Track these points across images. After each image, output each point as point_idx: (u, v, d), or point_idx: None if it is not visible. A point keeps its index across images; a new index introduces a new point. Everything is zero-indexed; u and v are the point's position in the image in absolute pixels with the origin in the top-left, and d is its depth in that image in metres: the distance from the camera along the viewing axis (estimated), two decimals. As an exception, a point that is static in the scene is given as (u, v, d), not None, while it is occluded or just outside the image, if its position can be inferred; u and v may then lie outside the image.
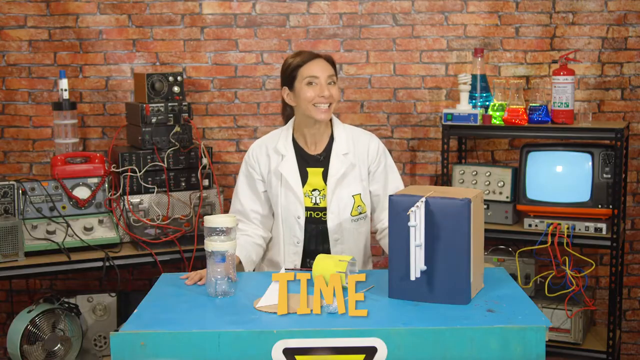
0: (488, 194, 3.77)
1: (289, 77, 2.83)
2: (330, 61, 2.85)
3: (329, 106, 2.78)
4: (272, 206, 2.89)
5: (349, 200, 2.83)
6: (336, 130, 2.89)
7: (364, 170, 2.87)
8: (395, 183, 2.90)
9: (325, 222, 2.84)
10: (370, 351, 2.04)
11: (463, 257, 2.23)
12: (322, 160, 2.86)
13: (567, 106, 3.64)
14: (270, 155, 2.88)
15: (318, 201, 2.84)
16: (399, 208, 2.26)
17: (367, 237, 2.94)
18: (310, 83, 2.78)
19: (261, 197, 2.90)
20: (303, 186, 2.84)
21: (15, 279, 3.60)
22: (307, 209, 2.84)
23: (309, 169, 2.86)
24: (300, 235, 2.84)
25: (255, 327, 2.09)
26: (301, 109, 2.82)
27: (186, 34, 4.02)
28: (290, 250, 2.86)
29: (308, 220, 2.84)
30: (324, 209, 2.83)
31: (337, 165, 2.83)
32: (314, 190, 2.84)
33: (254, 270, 2.87)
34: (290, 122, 2.93)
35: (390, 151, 3.00)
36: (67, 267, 3.35)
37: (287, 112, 2.95)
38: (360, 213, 2.86)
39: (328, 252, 2.84)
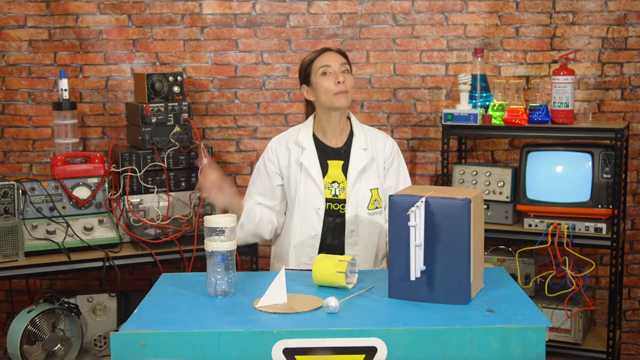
0: (488, 194, 3.77)
1: (304, 74, 2.92)
2: (342, 53, 2.92)
3: (345, 93, 2.84)
4: (290, 198, 2.90)
5: (367, 193, 2.87)
6: (355, 127, 2.95)
7: (380, 167, 2.92)
8: (405, 183, 2.96)
9: (343, 214, 2.86)
10: (370, 351, 2.04)
11: (463, 257, 2.23)
12: (343, 154, 2.90)
13: (567, 106, 3.64)
14: (290, 148, 2.91)
15: (337, 193, 2.87)
16: (399, 208, 2.26)
17: (382, 233, 2.94)
18: (324, 73, 2.85)
19: (276, 192, 2.92)
20: (323, 178, 2.87)
21: (15, 279, 3.61)
22: (327, 200, 2.86)
23: (329, 162, 2.90)
24: (318, 227, 2.86)
25: (255, 327, 2.09)
26: (321, 101, 2.87)
27: (186, 34, 4.02)
28: (307, 243, 2.87)
29: (326, 212, 2.86)
30: (343, 201, 2.86)
31: (359, 158, 2.88)
32: (333, 182, 2.88)
33: (256, 269, 2.87)
34: (310, 118, 2.97)
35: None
36: (67, 267, 3.35)
37: (309, 111, 3.01)
38: (376, 207, 2.89)
39: (344, 245, 2.86)
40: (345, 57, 2.91)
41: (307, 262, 2.85)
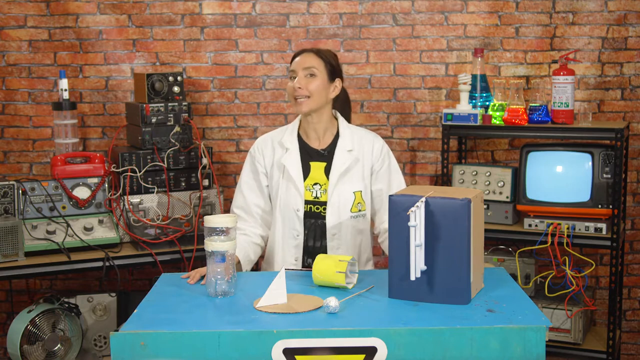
0: (488, 194, 3.77)
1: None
2: (320, 54, 2.86)
3: (306, 98, 2.81)
4: (272, 199, 2.90)
5: (349, 196, 2.85)
6: (341, 128, 2.92)
7: (367, 169, 2.89)
8: (398, 184, 2.92)
9: (324, 217, 2.84)
10: (370, 351, 2.04)
11: (463, 257, 2.23)
12: (326, 155, 2.89)
13: (567, 106, 3.64)
14: (275, 148, 2.92)
15: (319, 195, 2.85)
16: (399, 208, 2.26)
17: (367, 237, 2.94)
18: (291, 77, 2.85)
19: (264, 192, 2.92)
20: (305, 179, 2.86)
21: (15, 279, 3.60)
22: (307, 202, 2.85)
23: (311, 163, 2.88)
24: (299, 228, 2.85)
25: (255, 327, 2.09)
26: None
27: (186, 34, 4.02)
28: (290, 244, 2.87)
29: (307, 214, 2.85)
30: (324, 203, 2.85)
31: (342, 160, 2.86)
32: (315, 184, 2.86)
33: (253, 269, 2.88)
34: (297, 119, 2.97)
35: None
36: (67, 267, 3.35)
37: None
38: (359, 210, 2.87)
39: (326, 248, 2.85)
40: (322, 58, 2.85)
41: (293, 263, 2.85)
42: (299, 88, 2.80)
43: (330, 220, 2.84)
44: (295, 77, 2.82)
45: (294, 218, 2.85)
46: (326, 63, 2.86)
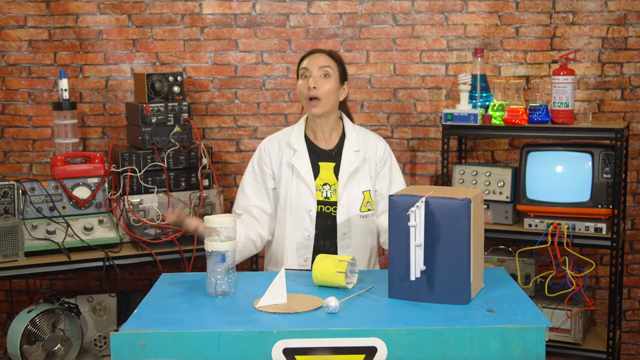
0: (488, 194, 3.77)
1: (297, 73, 2.91)
2: (332, 55, 2.87)
3: (318, 100, 2.80)
4: (282, 200, 2.89)
5: (359, 195, 2.86)
6: (347, 128, 2.93)
7: (372, 169, 2.91)
8: (398, 185, 2.92)
9: (335, 217, 2.85)
10: (370, 351, 2.04)
11: (463, 257, 2.23)
12: (334, 156, 2.89)
13: (567, 106, 3.64)
14: (282, 149, 2.91)
15: (329, 195, 2.86)
16: (399, 208, 2.26)
17: (374, 234, 2.94)
18: (302, 76, 2.84)
19: (269, 194, 2.91)
20: (315, 180, 2.86)
21: (15, 279, 3.61)
22: (318, 202, 2.85)
23: (320, 163, 2.89)
24: (311, 228, 2.85)
25: (255, 327, 2.09)
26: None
27: (186, 34, 4.02)
28: (301, 245, 2.86)
29: (318, 214, 2.85)
30: (335, 203, 2.85)
31: (350, 160, 2.87)
32: (325, 184, 2.87)
33: (254, 270, 2.88)
34: (302, 119, 2.97)
35: (390, 151, 3.03)
36: (67, 267, 3.35)
37: None
38: (369, 210, 2.87)
39: (336, 247, 2.85)
40: (335, 59, 2.86)
41: (302, 264, 2.85)
42: (314, 88, 2.79)
43: (340, 220, 2.84)
44: (308, 76, 2.81)
45: (305, 218, 2.85)
46: (339, 64, 2.87)
